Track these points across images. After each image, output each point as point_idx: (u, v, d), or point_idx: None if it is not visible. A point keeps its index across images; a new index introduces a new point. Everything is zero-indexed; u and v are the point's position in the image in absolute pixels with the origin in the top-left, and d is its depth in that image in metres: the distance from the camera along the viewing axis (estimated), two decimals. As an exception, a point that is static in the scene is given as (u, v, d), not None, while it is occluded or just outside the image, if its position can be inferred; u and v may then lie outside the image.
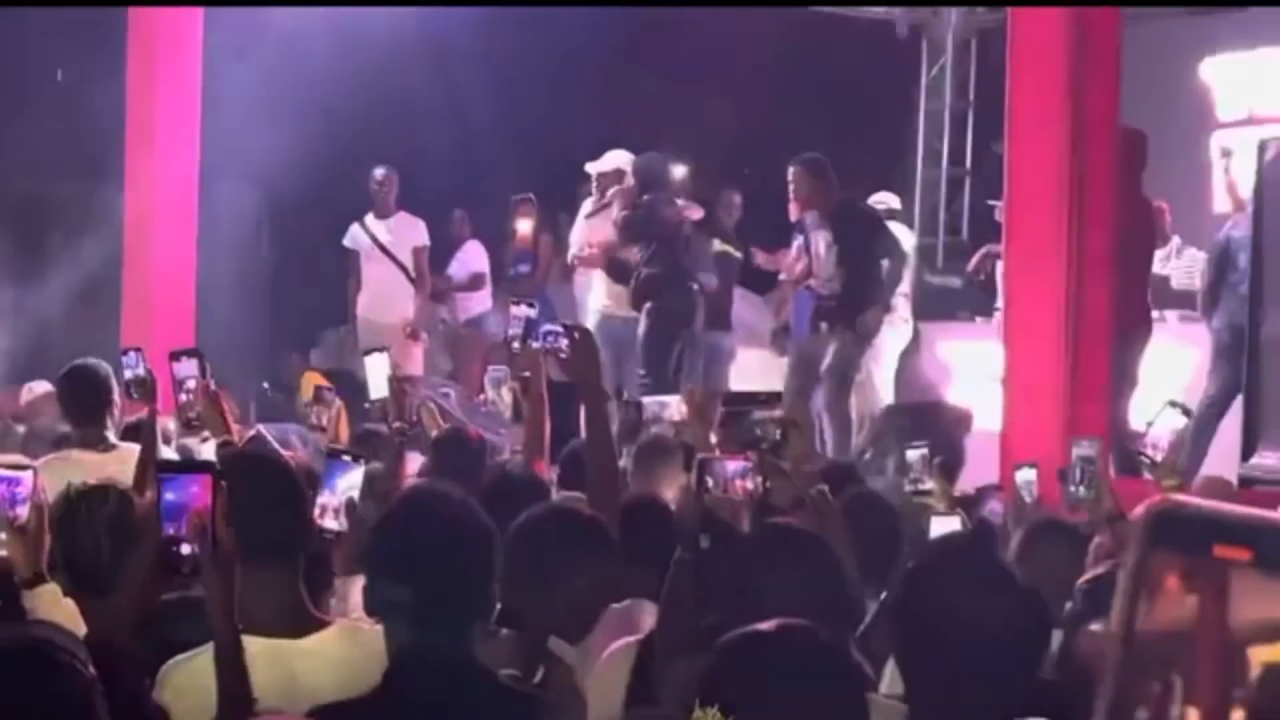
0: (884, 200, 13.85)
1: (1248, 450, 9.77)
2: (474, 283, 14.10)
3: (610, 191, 12.12)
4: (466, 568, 3.44)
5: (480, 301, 14.22)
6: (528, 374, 6.45)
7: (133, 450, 6.69)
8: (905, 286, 12.82)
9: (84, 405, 7.21)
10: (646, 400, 9.31)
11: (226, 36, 12.28)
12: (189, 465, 3.76)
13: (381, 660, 3.48)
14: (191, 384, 5.92)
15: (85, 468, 6.50)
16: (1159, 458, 5.16)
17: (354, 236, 12.99)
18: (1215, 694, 1.19)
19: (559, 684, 3.90)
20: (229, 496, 3.33)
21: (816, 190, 11.47)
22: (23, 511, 3.91)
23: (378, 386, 7.06)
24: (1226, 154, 12.06)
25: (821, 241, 11.50)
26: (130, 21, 12.03)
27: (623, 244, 12.06)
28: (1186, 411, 5.28)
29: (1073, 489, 5.78)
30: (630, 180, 12.02)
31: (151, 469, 6.11)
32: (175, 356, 6.02)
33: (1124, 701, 1.20)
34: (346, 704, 3.37)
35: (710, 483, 4.65)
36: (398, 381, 6.98)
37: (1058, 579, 5.06)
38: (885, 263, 11.57)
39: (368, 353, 7.33)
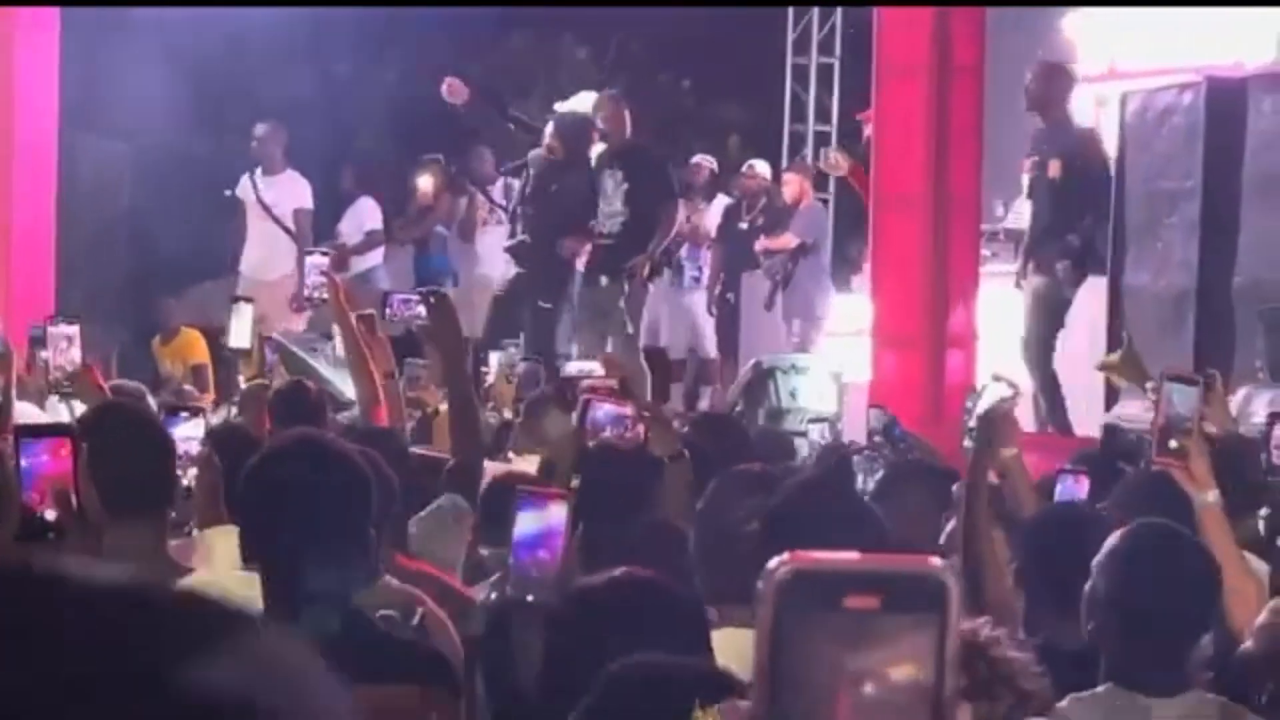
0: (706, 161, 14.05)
1: (1111, 400, 9.91)
2: (370, 241, 13.97)
3: (532, 153, 11.94)
4: (345, 511, 3.41)
5: (369, 258, 14.12)
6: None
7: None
8: None
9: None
10: (569, 366, 9.23)
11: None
12: (47, 429, 3.67)
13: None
14: (63, 344, 5.92)
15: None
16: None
17: (243, 187, 12.85)
18: None
19: (436, 627, 3.89)
20: (99, 450, 3.26)
21: (621, 123, 11.36)
22: None
23: (240, 336, 6.98)
24: (1101, 104, 12.21)
25: (609, 179, 11.34)
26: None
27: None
28: (1012, 384, 5.38)
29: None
30: (554, 139, 11.82)
31: (8, 436, 6.10)
32: (54, 321, 6.05)
33: None
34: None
35: (592, 428, 4.71)
36: (260, 336, 6.92)
37: (920, 520, 5.20)
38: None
39: (235, 300, 7.24)
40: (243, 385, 7.19)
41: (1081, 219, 10.10)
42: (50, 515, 3.21)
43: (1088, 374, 10.33)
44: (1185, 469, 4.26)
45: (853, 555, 1.27)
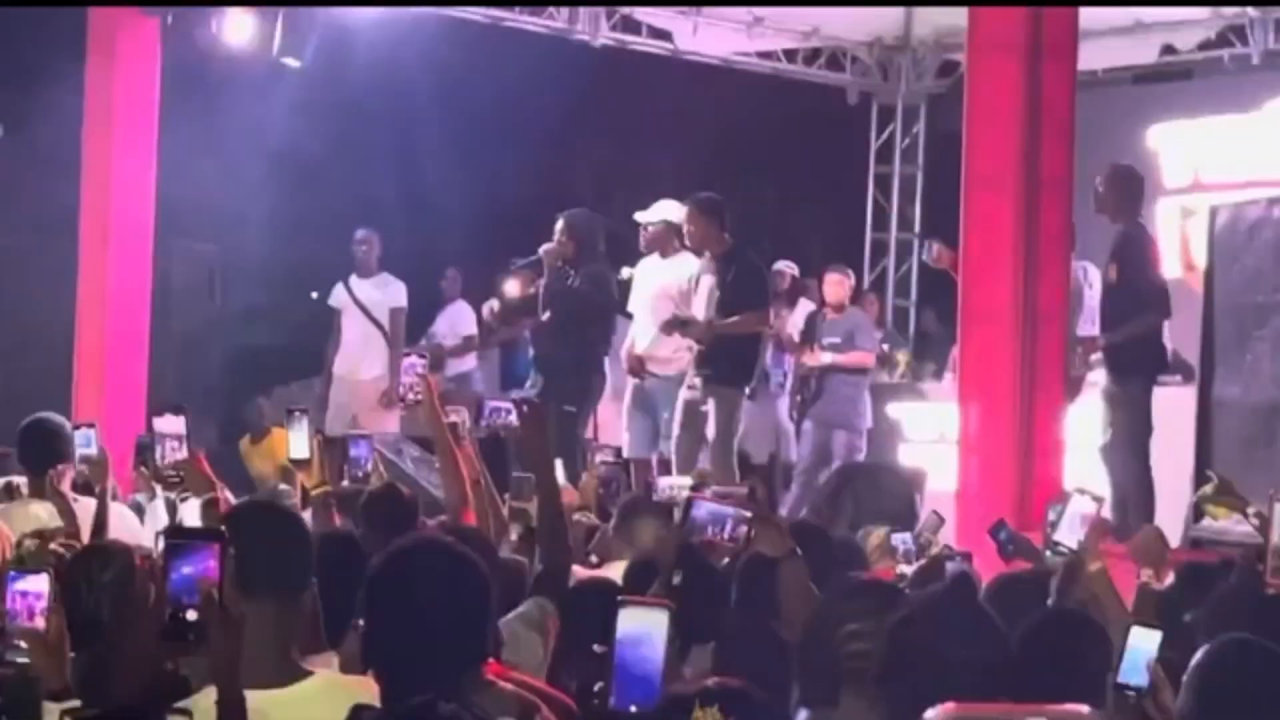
0: (789, 267, 14.10)
1: (1199, 512, 9.84)
2: (467, 345, 14.11)
3: (543, 249, 11.99)
4: (466, 616, 3.44)
5: (465, 361, 14.26)
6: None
7: (87, 504, 6.74)
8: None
9: (41, 457, 7.25)
10: (661, 481, 9.19)
11: (183, 92, 12.29)
12: (197, 533, 3.71)
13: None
14: (174, 443, 5.93)
15: (42, 517, 6.57)
16: (1075, 545, 5.21)
17: (337, 295, 13.07)
18: None
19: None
20: (242, 545, 3.32)
21: (708, 231, 11.41)
22: (41, 622, 3.87)
23: (299, 447, 6.95)
24: (1187, 215, 12.22)
25: (704, 284, 11.38)
26: (88, 76, 12.03)
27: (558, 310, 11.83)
28: (1096, 498, 5.37)
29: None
30: (565, 236, 11.88)
31: (102, 527, 6.18)
32: (159, 412, 6.06)
33: None
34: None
35: (692, 526, 4.73)
36: (320, 445, 6.88)
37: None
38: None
39: (290, 411, 7.20)
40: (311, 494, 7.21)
41: (1127, 319, 10.06)
42: (192, 616, 3.26)
43: (1173, 485, 10.31)
44: None
45: (1009, 705, 1.31)
